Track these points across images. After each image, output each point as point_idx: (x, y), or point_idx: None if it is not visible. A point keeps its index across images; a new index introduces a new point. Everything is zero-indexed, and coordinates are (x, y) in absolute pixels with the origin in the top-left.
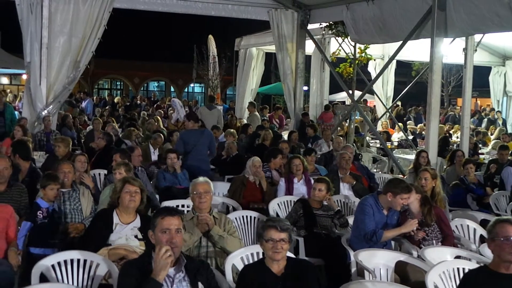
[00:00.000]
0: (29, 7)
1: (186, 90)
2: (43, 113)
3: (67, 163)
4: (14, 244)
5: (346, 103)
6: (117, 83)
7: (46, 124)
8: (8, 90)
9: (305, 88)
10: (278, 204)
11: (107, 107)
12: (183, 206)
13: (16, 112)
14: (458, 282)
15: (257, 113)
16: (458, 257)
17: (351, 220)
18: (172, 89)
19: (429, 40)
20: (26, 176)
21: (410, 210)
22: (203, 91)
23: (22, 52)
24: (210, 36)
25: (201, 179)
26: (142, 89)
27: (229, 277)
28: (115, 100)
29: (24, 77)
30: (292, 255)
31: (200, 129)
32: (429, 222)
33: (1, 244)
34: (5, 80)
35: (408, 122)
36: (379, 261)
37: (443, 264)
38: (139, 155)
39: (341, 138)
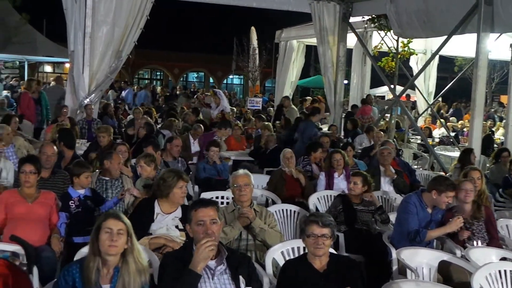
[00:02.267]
0: None
1: (225, 81)
2: (85, 101)
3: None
4: (56, 231)
5: (386, 98)
6: (157, 73)
7: (88, 112)
8: (51, 79)
9: (345, 81)
10: (318, 198)
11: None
12: (222, 197)
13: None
14: (504, 284)
15: (293, 106)
16: (503, 258)
17: (392, 216)
18: (211, 80)
19: (473, 35)
20: (68, 164)
21: (459, 208)
22: (242, 82)
23: (66, 41)
24: (252, 28)
25: (241, 171)
26: (181, 79)
27: (269, 271)
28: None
29: (67, 65)
30: (333, 251)
31: None
32: (477, 216)
33: (45, 231)
34: (48, 68)
35: (451, 119)
36: (421, 260)
37: (490, 266)
38: (178, 145)
39: (381, 133)
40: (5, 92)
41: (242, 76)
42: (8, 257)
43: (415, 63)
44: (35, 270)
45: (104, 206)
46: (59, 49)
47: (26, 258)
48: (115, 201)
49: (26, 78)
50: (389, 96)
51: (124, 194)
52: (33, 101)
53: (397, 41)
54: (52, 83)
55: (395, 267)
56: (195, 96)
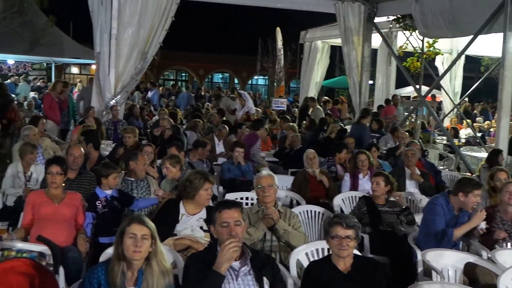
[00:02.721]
0: None
1: (249, 82)
2: (111, 102)
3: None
4: (82, 231)
5: (411, 98)
6: (182, 74)
7: (114, 113)
8: (78, 80)
9: (370, 82)
10: (342, 199)
11: (172, 98)
12: (246, 198)
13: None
14: None
15: (319, 106)
16: None
17: (417, 217)
18: (236, 81)
19: (500, 34)
20: (94, 165)
21: (502, 208)
22: (267, 83)
23: (92, 42)
24: (278, 29)
25: (264, 172)
26: (206, 80)
27: (294, 272)
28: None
29: (93, 67)
30: (358, 253)
31: None
32: None
33: (71, 231)
34: (75, 70)
35: (477, 119)
36: (447, 261)
37: None
38: (208, 150)
39: (406, 133)
40: (32, 94)
41: (266, 77)
42: (35, 257)
43: (440, 63)
44: (61, 270)
45: (135, 204)
46: (86, 51)
47: (53, 258)
48: (153, 202)
49: (53, 79)
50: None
51: (161, 200)
52: (56, 103)
53: (423, 41)
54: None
55: (420, 268)
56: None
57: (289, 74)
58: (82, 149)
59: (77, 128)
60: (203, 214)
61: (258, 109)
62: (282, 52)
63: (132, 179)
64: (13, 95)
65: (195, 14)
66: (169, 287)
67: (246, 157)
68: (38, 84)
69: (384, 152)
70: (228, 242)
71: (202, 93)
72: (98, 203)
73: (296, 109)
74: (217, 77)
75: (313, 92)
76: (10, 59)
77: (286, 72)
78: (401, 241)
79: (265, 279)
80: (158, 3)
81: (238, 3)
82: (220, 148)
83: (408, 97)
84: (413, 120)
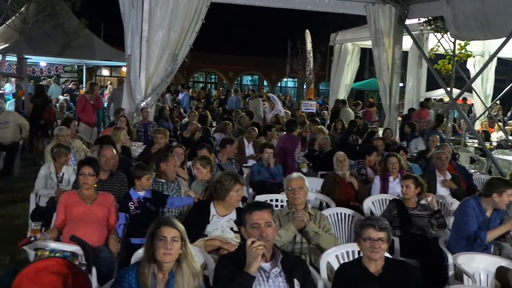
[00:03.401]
0: (131, 1)
1: (279, 84)
2: (142, 104)
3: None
4: (114, 232)
5: (443, 101)
6: (212, 76)
7: (145, 115)
8: (109, 82)
9: (401, 84)
10: (372, 202)
11: (202, 100)
12: (276, 200)
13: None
14: None
15: (349, 108)
16: None
17: (448, 221)
18: (265, 83)
19: None
20: (117, 168)
21: None
22: (296, 85)
23: (122, 45)
24: (307, 31)
25: (294, 174)
26: (236, 82)
27: (324, 274)
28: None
29: (124, 69)
30: (388, 255)
31: None
32: None
33: (103, 232)
34: (106, 72)
35: (509, 122)
36: (478, 265)
37: None
38: (236, 147)
39: (437, 136)
40: (62, 97)
41: (296, 79)
42: (68, 257)
43: (472, 66)
44: (93, 270)
45: (171, 203)
46: (116, 53)
47: (85, 258)
48: (188, 202)
49: (84, 81)
50: (446, 99)
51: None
52: (91, 105)
53: (454, 43)
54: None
55: (451, 272)
56: (247, 99)
57: (319, 76)
58: (114, 150)
59: (107, 129)
60: (233, 215)
61: (287, 111)
62: (311, 54)
63: (163, 180)
64: None
65: (224, 17)
66: None
67: (291, 160)
68: (70, 86)
69: (415, 154)
70: (250, 242)
71: (232, 95)
72: (131, 204)
73: (326, 111)
74: (246, 79)
75: (342, 95)
76: (43, 62)
77: (315, 74)
78: (432, 244)
79: (295, 280)
80: (188, 6)
81: (268, 6)
82: (249, 150)
83: (440, 100)
84: (444, 123)
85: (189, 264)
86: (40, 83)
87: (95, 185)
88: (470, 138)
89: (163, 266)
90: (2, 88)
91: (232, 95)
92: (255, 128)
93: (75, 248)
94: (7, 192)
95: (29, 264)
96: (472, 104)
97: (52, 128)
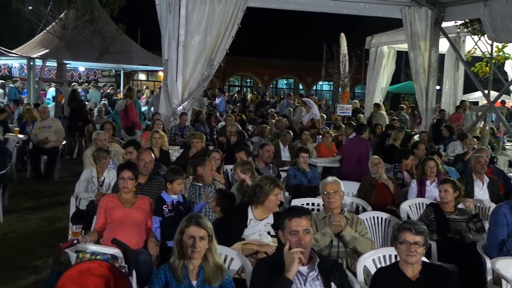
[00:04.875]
0: (168, 7)
1: (314, 88)
2: (178, 108)
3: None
4: (153, 235)
5: (480, 104)
6: (247, 80)
7: (182, 120)
8: (145, 86)
9: (438, 87)
10: (409, 206)
11: (238, 104)
12: (313, 204)
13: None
14: None
15: (383, 112)
16: None
17: (486, 225)
18: (300, 86)
19: None
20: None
21: None
22: (332, 89)
23: (159, 50)
24: (342, 34)
25: (329, 179)
26: (271, 86)
27: (361, 278)
28: (249, 98)
29: (161, 73)
30: (425, 260)
31: None
32: None
33: (142, 235)
34: (142, 77)
35: None
36: None
37: None
38: (269, 150)
39: (475, 139)
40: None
41: (331, 83)
42: (108, 260)
43: (510, 68)
44: (134, 272)
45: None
46: (153, 58)
47: (125, 261)
48: (202, 205)
49: (122, 86)
50: (483, 102)
51: (209, 202)
52: (137, 110)
53: (491, 45)
54: (157, 91)
55: (489, 277)
56: (280, 102)
57: (354, 80)
58: (152, 154)
59: (145, 133)
60: (270, 219)
61: (323, 115)
62: (347, 57)
63: (200, 184)
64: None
65: (260, 21)
66: (225, 281)
67: (364, 163)
68: (108, 91)
69: (452, 158)
70: (287, 247)
71: (267, 99)
72: (165, 207)
73: (361, 114)
74: (282, 83)
75: (378, 98)
76: (81, 67)
77: (351, 78)
78: (470, 249)
79: (333, 284)
80: (224, 10)
81: (303, 10)
82: (285, 153)
83: (477, 103)
84: (481, 126)
85: (214, 257)
86: (74, 88)
87: (134, 189)
88: (508, 141)
89: (191, 260)
90: (42, 92)
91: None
92: (290, 131)
93: (115, 251)
94: (48, 196)
95: (72, 266)
96: (511, 106)
97: (88, 129)
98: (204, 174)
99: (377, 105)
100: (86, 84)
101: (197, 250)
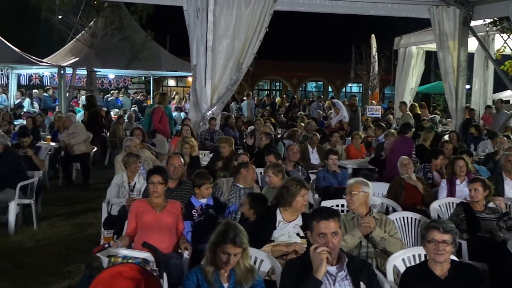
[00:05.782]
0: (195, 12)
1: (343, 90)
2: (208, 113)
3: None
4: (183, 239)
5: (511, 102)
6: (276, 83)
7: (212, 124)
8: (174, 92)
9: (467, 87)
10: (439, 206)
11: (267, 108)
12: (342, 206)
13: (183, 113)
14: None
15: (409, 112)
16: None
17: None
18: (330, 89)
19: None
20: None
21: None
22: (361, 90)
23: (188, 55)
24: (373, 36)
25: (352, 180)
26: (300, 89)
27: (390, 277)
28: (277, 101)
29: (189, 79)
30: (455, 259)
31: None
32: None
33: (172, 239)
34: (172, 82)
35: None
36: None
37: None
38: (293, 149)
39: (505, 138)
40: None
41: (361, 84)
42: (140, 263)
43: None
44: (164, 276)
45: (227, 211)
46: (182, 63)
47: (156, 264)
48: (235, 207)
49: (151, 92)
50: None
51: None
52: (166, 116)
53: None
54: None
55: None
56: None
57: (383, 81)
58: (182, 159)
59: (175, 139)
60: (299, 221)
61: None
62: (376, 58)
63: (241, 186)
64: (117, 109)
65: (287, 24)
66: (256, 283)
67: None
68: (138, 97)
69: (483, 157)
70: (314, 247)
71: (297, 102)
72: (194, 211)
73: (391, 116)
74: (311, 86)
75: (408, 98)
76: (111, 74)
77: (380, 79)
78: (500, 247)
79: (362, 284)
80: (252, 15)
81: (330, 12)
82: (314, 155)
83: (507, 101)
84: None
85: (245, 261)
86: (92, 94)
87: (164, 193)
88: None
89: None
90: (74, 100)
91: (314, 102)
92: (316, 133)
93: (146, 254)
94: (80, 202)
95: (103, 270)
96: None
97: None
98: (247, 176)
99: (404, 104)
100: (117, 92)
101: (230, 264)
